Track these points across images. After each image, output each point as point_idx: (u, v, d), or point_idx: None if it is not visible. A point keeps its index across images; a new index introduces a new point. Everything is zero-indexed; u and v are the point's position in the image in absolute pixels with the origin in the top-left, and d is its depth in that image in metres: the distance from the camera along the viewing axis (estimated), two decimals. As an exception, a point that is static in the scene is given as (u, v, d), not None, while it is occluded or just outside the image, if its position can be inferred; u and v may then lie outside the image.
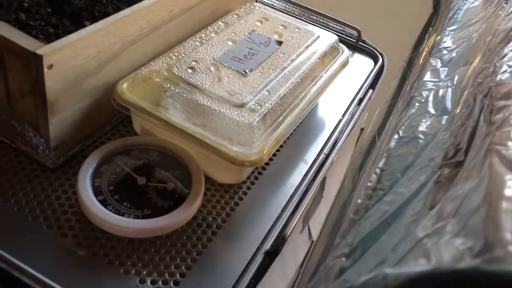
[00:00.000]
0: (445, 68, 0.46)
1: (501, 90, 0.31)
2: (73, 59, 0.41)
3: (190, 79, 0.47)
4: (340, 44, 0.62)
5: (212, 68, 0.50)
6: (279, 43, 0.56)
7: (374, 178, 0.36)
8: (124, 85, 0.47)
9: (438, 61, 0.48)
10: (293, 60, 0.54)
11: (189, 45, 0.52)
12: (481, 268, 0.18)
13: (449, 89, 0.41)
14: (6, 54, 0.40)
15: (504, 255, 0.18)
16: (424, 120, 0.40)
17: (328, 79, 0.56)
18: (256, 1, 0.73)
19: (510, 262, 0.18)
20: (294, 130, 0.55)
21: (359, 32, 0.76)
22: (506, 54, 0.36)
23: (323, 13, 0.79)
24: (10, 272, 0.37)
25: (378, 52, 0.76)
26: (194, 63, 0.50)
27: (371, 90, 0.66)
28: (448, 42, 0.51)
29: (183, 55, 0.51)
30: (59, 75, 0.41)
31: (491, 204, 0.21)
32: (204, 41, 0.54)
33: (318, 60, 0.55)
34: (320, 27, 0.77)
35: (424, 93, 0.43)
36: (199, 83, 0.47)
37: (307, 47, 0.56)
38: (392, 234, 0.27)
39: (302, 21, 0.63)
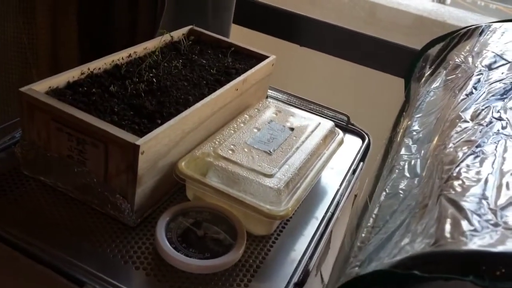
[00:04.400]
0: (415, 145, 0.64)
1: (447, 159, 0.49)
2: (155, 147, 0.59)
3: (231, 157, 0.65)
4: (336, 128, 0.80)
5: (245, 149, 0.67)
6: (292, 129, 0.75)
7: (371, 220, 0.52)
8: (183, 163, 0.64)
9: (410, 140, 0.67)
10: (303, 142, 0.72)
11: (226, 133, 0.71)
12: (435, 251, 0.35)
13: (418, 160, 0.59)
14: (110, 145, 0.57)
15: (445, 243, 0.35)
16: (402, 181, 0.57)
17: (329, 155, 0.74)
18: (267, 98, 0.93)
19: (448, 247, 0.35)
20: (307, 194, 0.72)
21: (348, 117, 0.96)
22: (452, 135, 0.55)
23: (319, 103, 0.99)
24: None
25: (364, 132, 0.95)
26: (232, 146, 0.68)
27: (361, 163, 0.84)
28: (416, 126, 0.70)
29: (223, 140, 0.69)
30: (146, 158, 0.58)
31: (440, 221, 0.38)
32: (236, 129, 0.72)
33: (321, 141, 0.74)
34: (318, 114, 0.97)
35: (401, 163, 0.61)
36: (238, 160, 0.65)
37: (312, 131, 0.75)
38: (386, 251, 0.43)
39: (305, 112, 0.82)
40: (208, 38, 0.91)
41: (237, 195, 0.61)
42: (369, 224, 0.52)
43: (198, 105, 0.67)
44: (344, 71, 1.36)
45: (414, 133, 0.69)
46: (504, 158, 0.46)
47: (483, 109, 0.58)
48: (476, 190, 0.41)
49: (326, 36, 1.33)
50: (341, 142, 0.79)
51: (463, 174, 0.44)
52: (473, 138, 0.51)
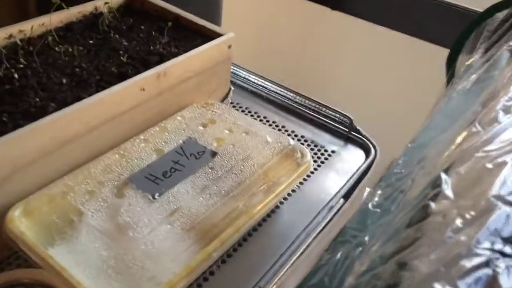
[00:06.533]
0: (377, 209, 0.36)
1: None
2: None
3: (83, 208, 0.42)
4: (300, 147, 0.53)
5: (115, 192, 0.44)
6: (214, 154, 0.49)
7: None
8: (16, 213, 0.42)
9: (378, 194, 0.38)
10: (219, 178, 0.46)
11: (106, 159, 0.47)
12: None
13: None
14: None
15: None
16: None
17: (269, 198, 0.47)
18: (228, 93, 0.66)
19: None
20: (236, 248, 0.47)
21: (350, 120, 0.67)
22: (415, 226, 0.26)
23: (315, 99, 0.70)
24: None
25: (371, 143, 0.65)
26: (98, 185, 0.44)
27: (342, 199, 0.56)
28: (400, 162, 0.41)
29: (93, 173, 0.45)
30: None
31: None
32: (126, 153, 0.48)
33: (257, 176, 0.47)
34: (312, 114, 0.69)
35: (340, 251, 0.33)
36: (90, 214, 0.41)
37: (246, 159, 0.49)
38: None
39: (257, 123, 0.55)
40: (151, 6, 0.66)
41: (68, 274, 0.38)
42: None
43: (46, 120, 0.43)
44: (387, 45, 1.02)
45: (393, 178, 0.40)
46: None
47: (490, 169, 0.28)
48: None
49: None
50: (304, 170, 0.51)
51: None
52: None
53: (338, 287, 0.28)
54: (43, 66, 0.52)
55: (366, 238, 0.32)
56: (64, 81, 0.50)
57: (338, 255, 0.33)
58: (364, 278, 0.25)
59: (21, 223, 0.41)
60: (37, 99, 0.47)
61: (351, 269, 0.28)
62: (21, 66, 0.52)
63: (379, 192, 0.38)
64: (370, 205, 0.37)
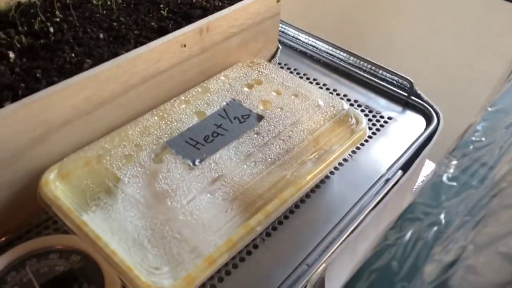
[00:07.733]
0: (453, 183, 0.31)
1: None
2: (-35, 155, 0.35)
3: (119, 173, 0.39)
4: (355, 112, 0.48)
5: (153, 156, 0.40)
6: (260, 118, 0.44)
7: None
8: (51, 176, 0.40)
9: (453, 165, 0.33)
10: (265, 144, 0.42)
11: (144, 121, 0.44)
12: None
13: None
14: None
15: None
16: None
17: (319, 168, 0.42)
18: (276, 52, 0.61)
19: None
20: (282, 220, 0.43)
21: (411, 83, 0.60)
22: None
23: (371, 60, 0.64)
24: None
25: (433, 109, 0.59)
26: (135, 148, 0.41)
27: (400, 171, 0.51)
28: (480, 131, 0.35)
29: (130, 136, 0.42)
30: None
31: None
32: (166, 115, 0.44)
33: (306, 143, 0.43)
34: (366, 76, 0.63)
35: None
36: (126, 179, 0.38)
37: (295, 124, 0.44)
38: None
39: (308, 84, 0.50)
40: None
41: (103, 243, 0.36)
42: None
43: (78, 77, 0.40)
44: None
45: (471, 147, 0.35)
46: None
47: None
48: None
49: None
50: (359, 138, 0.46)
51: None
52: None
53: (410, 275, 0.23)
54: (80, 20, 0.49)
55: (442, 217, 0.27)
56: (101, 36, 0.47)
57: (408, 235, 0.28)
58: (452, 270, 0.21)
59: (56, 187, 0.39)
60: (73, 55, 0.44)
61: (427, 254, 0.24)
62: (57, 19, 0.49)
63: (454, 162, 0.33)
64: (444, 178, 0.32)
